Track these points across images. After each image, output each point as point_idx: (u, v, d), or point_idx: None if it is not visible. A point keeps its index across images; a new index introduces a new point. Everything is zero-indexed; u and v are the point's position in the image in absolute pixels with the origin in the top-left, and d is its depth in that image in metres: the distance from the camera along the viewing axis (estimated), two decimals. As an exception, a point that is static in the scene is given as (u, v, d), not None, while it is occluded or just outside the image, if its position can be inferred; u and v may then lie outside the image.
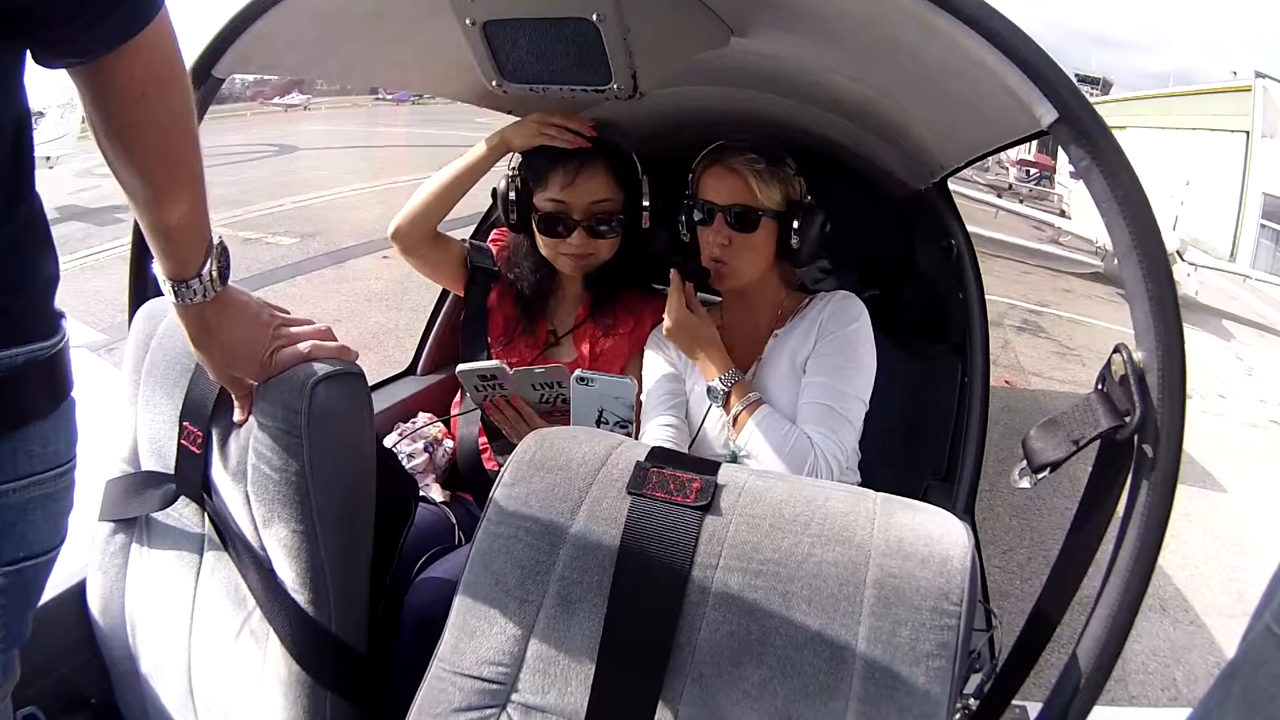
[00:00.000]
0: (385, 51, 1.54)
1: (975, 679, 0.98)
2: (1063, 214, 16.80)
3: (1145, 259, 0.80)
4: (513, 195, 1.62)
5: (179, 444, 1.13)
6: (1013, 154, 26.00)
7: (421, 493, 1.63)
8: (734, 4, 1.22)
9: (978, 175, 23.49)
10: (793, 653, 0.79)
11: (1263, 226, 15.86)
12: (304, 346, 1.02)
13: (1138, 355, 0.81)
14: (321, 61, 1.53)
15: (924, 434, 2.02)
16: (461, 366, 1.47)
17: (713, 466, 0.90)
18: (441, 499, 1.68)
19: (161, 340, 1.18)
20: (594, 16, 1.13)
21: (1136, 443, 0.80)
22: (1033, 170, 26.50)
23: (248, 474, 1.04)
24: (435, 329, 2.26)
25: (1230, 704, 0.74)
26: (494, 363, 1.45)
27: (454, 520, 1.60)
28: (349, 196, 12.90)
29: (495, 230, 1.85)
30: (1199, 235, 14.31)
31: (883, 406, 1.54)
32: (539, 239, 1.64)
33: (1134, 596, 0.82)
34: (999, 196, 17.62)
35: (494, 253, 1.80)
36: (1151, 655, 2.88)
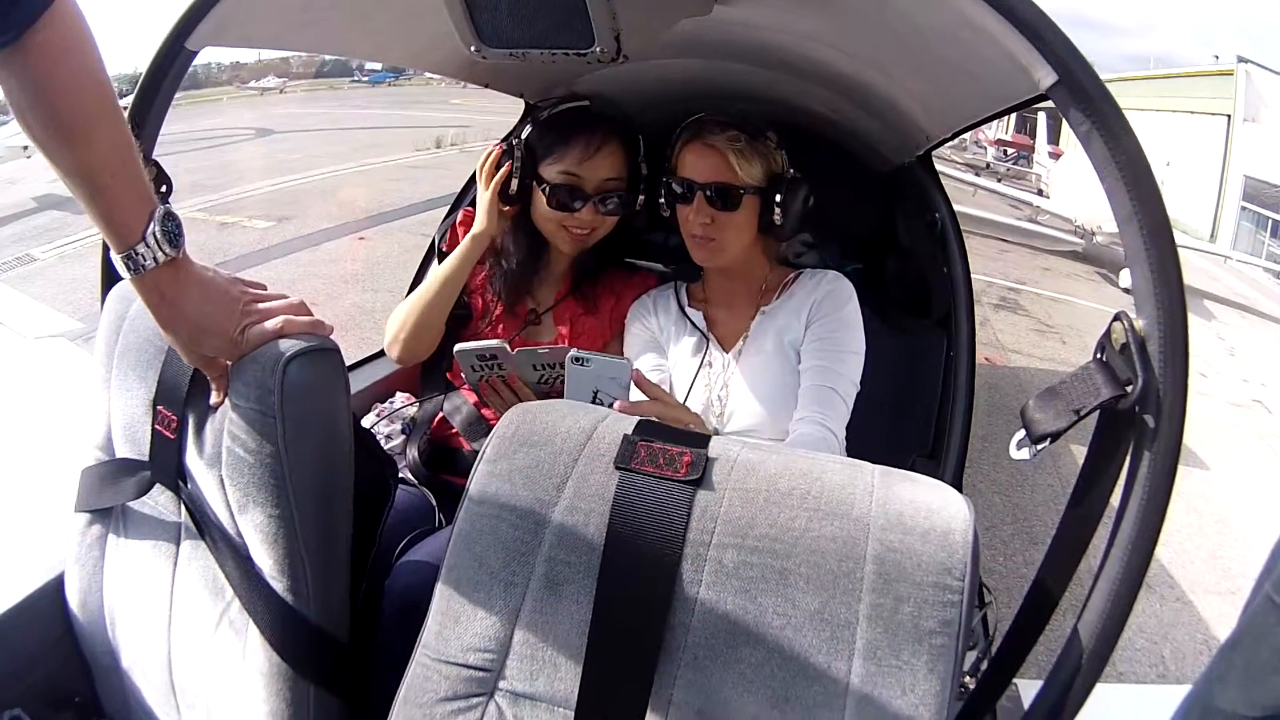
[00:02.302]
0: (363, 20, 1.49)
1: (969, 656, 0.96)
2: (1041, 193, 16.86)
3: (1146, 225, 0.78)
4: (515, 166, 1.59)
5: (153, 429, 1.09)
6: (990, 133, 26.16)
7: (400, 474, 1.59)
8: None
9: (955, 154, 23.61)
10: (791, 632, 0.76)
11: (1243, 209, 16.04)
12: (275, 323, 0.98)
13: (1139, 323, 0.79)
14: (298, 32, 1.48)
15: (909, 410, 2.01)
16: (460, 346, 1.43)
17: (704, 439, 0.86)
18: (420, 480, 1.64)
19: (134, 321, 1.14)
20: None
21: (1138, 413, 0.79)
22: (1010, 150, 26.63)
23: (222, 458, 1.00)
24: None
25: (1232, 676, 0.73)
26: (495, 342, 1.40)
27: (434, 502, 1.57)
28: (325, 179, 12.82)
29: (465, 208, 1.80)
30: (1179, 216, 14.44)
31: (867, 383, 1.53)
32: (541, 212, 1.62)
33: (1137, 571, 0.81)
34: (977, 175, 17.65)
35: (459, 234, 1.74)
36: (1139, 632, 2.91)
